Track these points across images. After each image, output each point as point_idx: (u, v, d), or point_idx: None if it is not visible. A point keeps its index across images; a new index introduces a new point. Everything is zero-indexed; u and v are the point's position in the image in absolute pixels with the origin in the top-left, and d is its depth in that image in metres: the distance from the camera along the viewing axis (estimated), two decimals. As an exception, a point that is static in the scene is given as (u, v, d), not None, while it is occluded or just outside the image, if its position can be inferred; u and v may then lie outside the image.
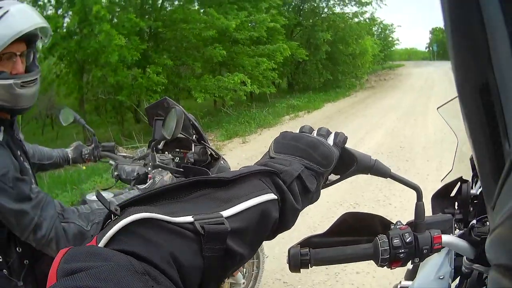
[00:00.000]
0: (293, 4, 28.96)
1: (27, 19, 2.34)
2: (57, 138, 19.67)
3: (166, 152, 3.55)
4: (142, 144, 12.88)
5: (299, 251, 1.51)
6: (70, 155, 3.67)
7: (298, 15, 28.76)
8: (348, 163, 1.48)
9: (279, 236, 1.34)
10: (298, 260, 1.49)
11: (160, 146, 3.58)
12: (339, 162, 1.40)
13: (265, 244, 4.78)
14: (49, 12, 18.39)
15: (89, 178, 10.61)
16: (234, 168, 3.61)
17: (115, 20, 18.00)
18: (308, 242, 1.57)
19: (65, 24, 17.63)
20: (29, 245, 2.32)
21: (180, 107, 3.04)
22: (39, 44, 2.61)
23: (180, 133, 3.22)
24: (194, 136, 3.48)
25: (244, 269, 4.56)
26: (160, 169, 3.04)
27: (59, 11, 18.34)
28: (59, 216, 2.28)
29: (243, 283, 4.38)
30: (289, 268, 1.52)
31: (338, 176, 1.50)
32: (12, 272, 2.44)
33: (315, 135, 1.38)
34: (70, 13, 17.54)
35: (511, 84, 0.79)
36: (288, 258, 1.51)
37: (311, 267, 1.51)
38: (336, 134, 1.41)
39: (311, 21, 28.61)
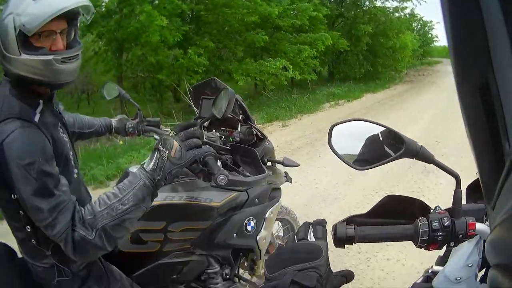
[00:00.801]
0: (335, -5, 28.86)
1: None
2: (92, 114, 19.91)
3: (214, 130, 3.60)
4: (182, 122, 12.94)
5: (345, 227, 1.57)
6: (114, 124, 3.73)
7: (340, 6, 28.69)
8: (397, 147, 1.58)
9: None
10: (344, 236, 1.56)
11: (205, 124, 3.60)
12: (387, 145, 1.48)
13: (299, 219, 4.86)
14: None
15: (126, 153, 10.66)
16: (276, 150, 3.61)
17: (156, 1, 18.01)
18: (351, 220, 1.63)
19: (103, 4, 17.71)
20: None
21: (230, 88, 3.02)
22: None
23: None
24: (241, 116, 3.63)
25: (280, 243, 4.64)
26: (207, 146, 2.87)
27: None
28: (73, 225, 2.24)
29: None
30: (334, 243, 1.58)
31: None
32: (41, 242, 2.47)
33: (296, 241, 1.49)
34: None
35: (511, 84, 0.79)
36: (333, 234, 1.57)
37: (355, 243, 1.58)
38: (314, 229, 1.47)
39: (352, 13, 28.53)
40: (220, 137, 3.49)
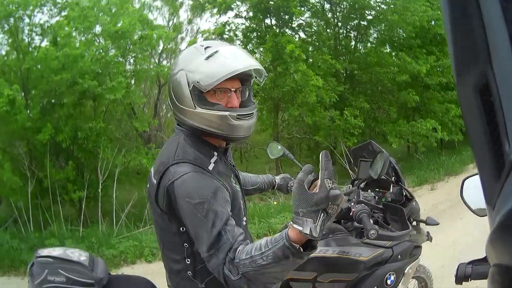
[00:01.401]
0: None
1: (240, 60, 2.56)
2: (246, 172, 20.29)
3: (369, 190, 3.74)
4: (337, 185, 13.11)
5: (465, 267, 1.74)
6: (276, 180, 3.92)
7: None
8: None
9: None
10: (463, 275, 1.73)
11: (362, 185, 3.77)
12: None
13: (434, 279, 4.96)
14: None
15: (279, 213, 11.04)
16: (422, 210, 3.72)
17: (310, 60, 18.09)
18: (473, 261, 1.76)
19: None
20: None
21: (386, 151, 3.31)
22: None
23: None
24: (393, 177, 3.80)
25: None
26: (362, 204, 3.21)
27: (249, 47, 18.86)
28: (226, 263, 2.32)
29: None
30: (455, 281, 1.79)
31: None
32: (197, 275, 2.66)
33: None
34: (261, 49, 17.93)
35: (511, 84, 0.84)
36: (455, 273, 1.77)
37: (470, 280, 1.75)
38: None
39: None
40: (374, 197, 3.64)
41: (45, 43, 12.93)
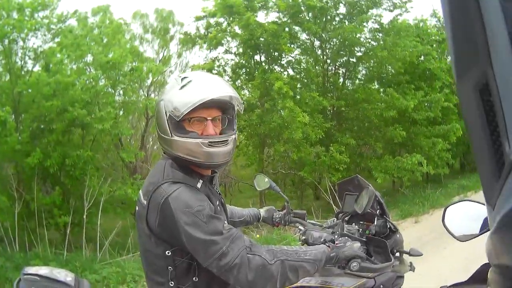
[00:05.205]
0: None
1: (211, 88, 2.67)
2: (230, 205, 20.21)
3: (354, 224, 3.76)
4: (320, 220, 13.17)
5: None
6: (261, 214, 3.95)
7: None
8: None
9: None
10: None
11: (346, 219, 3.79)
12: None
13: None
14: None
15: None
16: (406, 243, 3.80)
17: (298, 96, 18.20)
18: (454, 284, 1.76)
19: (243, 98, 17.84)
20: (206, 275, 2.64)
21: (371, 186, 3.40)
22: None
23: None
24: (378, 211, 3.73)
25: None
26: (346, 237, 3.25)
27: (237, 83, 19.06)
28: (247, 248, 2.54)
29: None
30: None
31: None
32: None
33: None
34: (249, 85, 18.08)
35: (511, 84, 0.84)
36: None
37: None
38: None
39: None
40: (358, 230, 3.64)
41: (37, 68, 13.11)
